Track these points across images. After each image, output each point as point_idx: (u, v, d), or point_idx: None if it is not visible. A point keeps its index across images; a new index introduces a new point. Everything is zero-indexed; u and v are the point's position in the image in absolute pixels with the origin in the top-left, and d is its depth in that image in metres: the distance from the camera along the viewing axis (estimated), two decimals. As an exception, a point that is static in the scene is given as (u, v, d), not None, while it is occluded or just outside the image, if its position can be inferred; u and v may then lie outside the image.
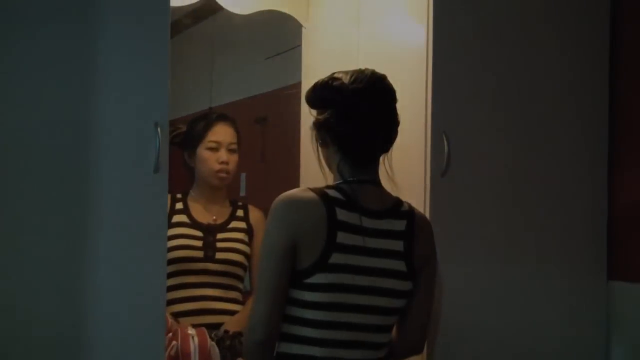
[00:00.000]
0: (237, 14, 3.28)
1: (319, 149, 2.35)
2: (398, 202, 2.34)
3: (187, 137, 3.15)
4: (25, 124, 2.27)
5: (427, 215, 2.55)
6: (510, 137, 2.74)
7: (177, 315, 2.94)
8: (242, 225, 3.17)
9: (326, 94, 2.28)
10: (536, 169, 2.79)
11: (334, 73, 2.32)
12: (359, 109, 2.26)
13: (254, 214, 3.21)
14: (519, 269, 2.75)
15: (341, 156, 2.29)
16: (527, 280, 2.76)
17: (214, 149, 3.11)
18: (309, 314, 2.21)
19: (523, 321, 2.76)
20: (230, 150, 3.13)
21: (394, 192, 2.34)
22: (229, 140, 3.13)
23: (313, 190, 2.24)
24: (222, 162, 3.10)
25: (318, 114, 2.31)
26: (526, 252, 2.76)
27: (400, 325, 2.35)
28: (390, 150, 2.33)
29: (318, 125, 2.31)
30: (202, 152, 3.12)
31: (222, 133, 3.13)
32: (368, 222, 2.25)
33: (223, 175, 3.12)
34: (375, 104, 2.28)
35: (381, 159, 2.34)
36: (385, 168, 2.33)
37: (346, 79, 2.27)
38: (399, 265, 2.27)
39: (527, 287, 2.76)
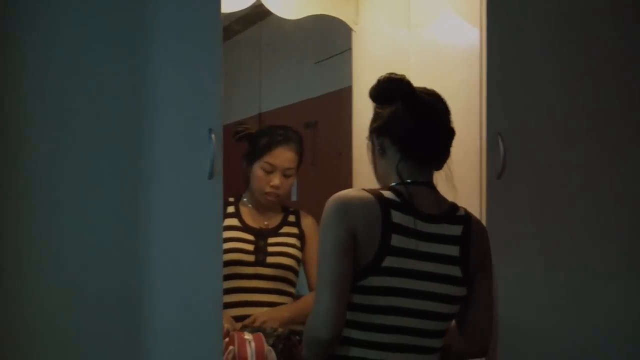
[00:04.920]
0: (286, 19, 3.28)
1: (377, 158, 2.33)
2: (454, 207, 2.31)
3: (249, 147, 3.15)
4: (81, 132, 2.30)
5: (483, 217, 2.54)
6: (566, 138, 2.71)
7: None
8: (294, 230, 3.17)
9: (392, 86, 2.26)
10: (593, 170, 2.75)
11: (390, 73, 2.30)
12: (423, 103, 2.25)
13: (306, 220, 3.20)
14: (577, 273, 2.71)
15: (401, 156, 2.27)
16: (585, 285, 2.73)
17: (268, 172, 3.09)
18: (362, 317, 2.20)
19: (581, 327, 2.72)
20: (285, 175, 3.10)
21: (452, 197, 2.33)
22: (286, 166, 3.09)
23: (368, 190, 2.23)
24: (273, 186, 3.08)
25: (380, 108, 2.29)
26: (584, 256, 2.73)
27: (463, 332, 2.33)
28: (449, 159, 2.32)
29: (379, 126, 2.29)
30: (257, 169, 3.10)
31: (280, 157, 3.09)
32: (422, 226, 2.23)
33: (271, 198, 3.10)
34: (435, 106, 2.28)
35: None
36: (446, 173, 2.32)
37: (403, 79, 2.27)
38: (454, 271, 2.25)
39: (585, 292, 2.73)
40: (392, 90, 2.26)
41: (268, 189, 3.08)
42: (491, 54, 2.59)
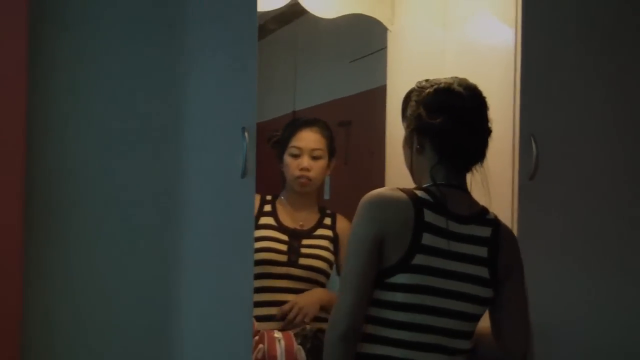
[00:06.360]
0: (321, 18, 3.26)
1: (413, 154, 2.35)
2: (484, 210, 2.34)
3: (278, 142, 3.17)
4: (114, 128, 2.32)
5: (516, 218, 2.53)
6: (600, 140, 2.69)
7: (257, 319, 2.93)
8: (329, 233, 3.16)
9: (448, 99, 2.29)
10: (626, 172, 2.72)
11: (444, 80, 2.33)
12: (471, 116, 2.29)
13: (341, 224, 3.18)
14: (611, 276, 2.68)
15: (438, 160, 2.30)
16: (620, 287, 2.69)
17: (296, 155, 3.10)
18: (389, 315, 2.22)
19: (617, 330, 2.69)
20: (314, 157, 3.11)
21: (486, 200, 2.33)
22: (312, 147, 3.10)
23: (402, 190, 2.26)
24: (302, 169, 3.08)
25: (429, 117, 2.29)
26: (618, 258, 2.69)
27: (501, 337, 2.34)
28: (485, 160, 2.34)
29: (424, 129, 2.30)
30: (286, 157, 3.12)
31: (304, 139, 3.11)
32: (454, 226, 2.25)
33: (303, 181, 3.10)
34: (480, 110, 2.32)
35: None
36: (481, 177, 2.34)
37: (457, 87, 2.30)
38: (482, 272, 2.27)
39: (620, 294, 2.69)
40: (445, 103, 2.29)
41: (298, 173, 3.08)
42: (526, 54, 2.58)
